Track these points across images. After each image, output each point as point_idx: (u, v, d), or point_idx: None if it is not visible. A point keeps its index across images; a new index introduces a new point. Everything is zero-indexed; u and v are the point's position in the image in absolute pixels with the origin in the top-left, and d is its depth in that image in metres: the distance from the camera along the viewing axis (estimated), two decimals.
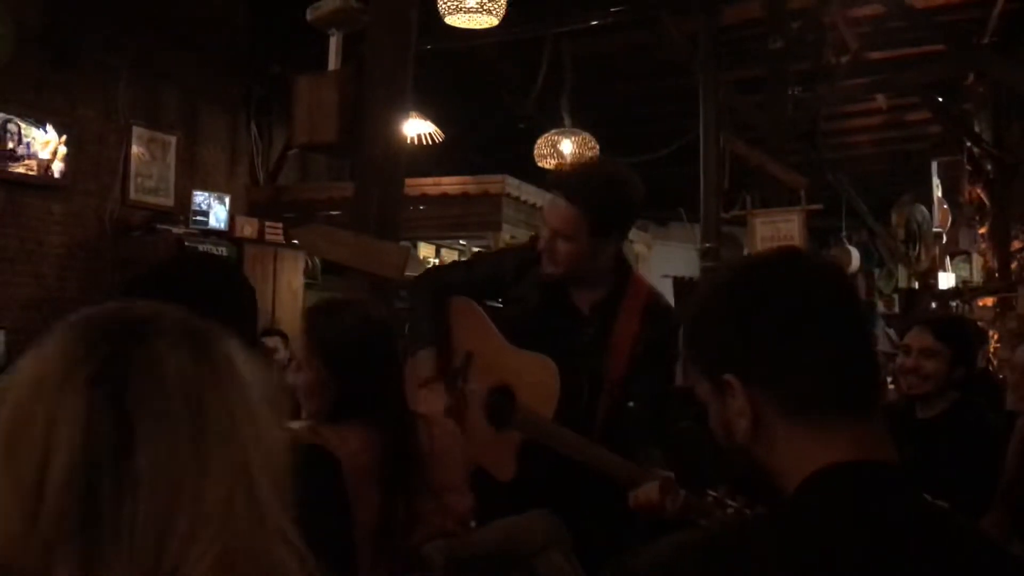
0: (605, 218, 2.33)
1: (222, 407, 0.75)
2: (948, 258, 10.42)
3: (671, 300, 4.28)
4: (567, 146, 7.70)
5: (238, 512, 0.72)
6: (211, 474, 0.71)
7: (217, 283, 1.57)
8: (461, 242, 9.55)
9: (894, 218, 10.97)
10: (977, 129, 8.86)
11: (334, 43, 4.22)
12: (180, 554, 0.68)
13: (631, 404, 2.36)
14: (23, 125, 6.29)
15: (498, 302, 2.62)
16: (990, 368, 6.67)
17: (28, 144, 6.33)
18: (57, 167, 6.53)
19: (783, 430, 0.97)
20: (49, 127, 6.46)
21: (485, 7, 4.80)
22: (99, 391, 0.71)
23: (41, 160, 6.42)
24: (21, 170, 6.31)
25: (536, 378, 2.32)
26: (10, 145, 6.22)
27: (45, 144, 6.44)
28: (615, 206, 2.37)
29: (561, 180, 2.43)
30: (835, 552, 0.84)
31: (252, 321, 1.61)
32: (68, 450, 0.69)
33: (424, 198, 7.70)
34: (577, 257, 2.35)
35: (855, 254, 11.12)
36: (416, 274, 2.99)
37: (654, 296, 2.50)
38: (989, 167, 8.59)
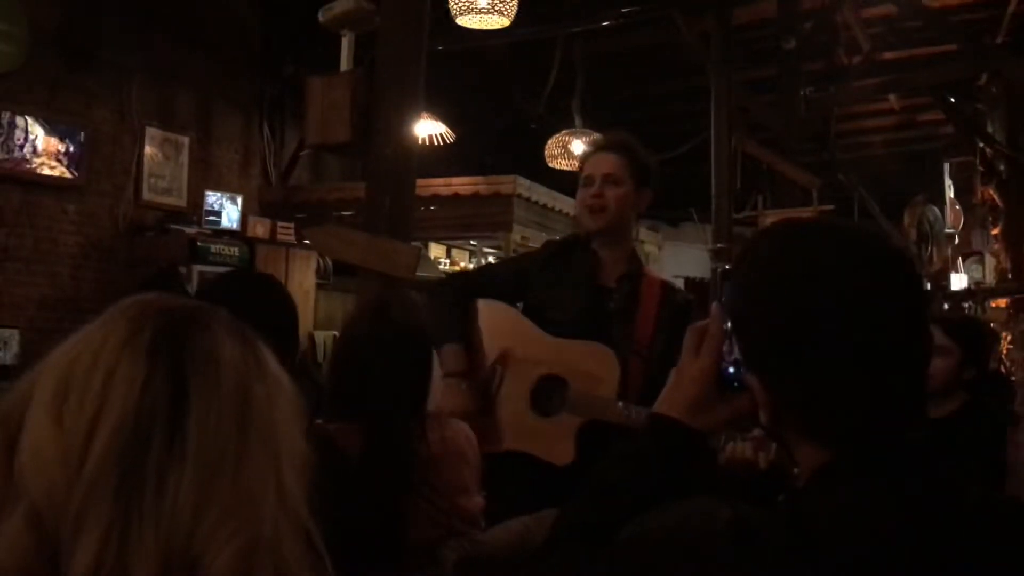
0: (645, 167, 2.55)
1: (265, 400, 0.76)
2: (960, 259, 10.38)
3: None
4: (578, 146, 7.69)
5: (266, 505, 0.72)
6: (249, 462, 0.72)
7: (260, 304, 1.61)
8: (472, 242, 9.56)
9: (906, 219, 10.92)
10: (990, 129, 8.82)
11: (346, 44, 4.23)
12: (207, 538, 0.68)
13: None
14: (38, 126, 6.34)
15: (517, 305, 2.66)
16: (1002, 370, 6.64)
17: (43, 145, 6.38)
18: (71, 168, 6.57)
19: (795, 439, 0.96)
20: (64, 128, 6.50)
21: (496, 8, 4.80)
22: (159, 358, 0.72)
23: (55, 161, 6.47)
24: (36, 170, 6.35)
25: (592, 365, 2.38)
26: (25, 146, 6.27)
27: (60, 145, 6.48)
28: (649, 160, 2.59)
29: (601, 142, 2.70)
30: (852, 548, 0.83)
31: (293, 341, 1.65)
32: (122, 407, 0.69)
33: (435, 198, 7.72)
34: (624, 203, 2.51)
35: None
36: (426, 274, 3.04)
37: (667, 282, 2.64)
38: (1002, 167, 8.55)
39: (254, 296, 1.81)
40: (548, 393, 2.42)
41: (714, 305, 1.07)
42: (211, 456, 0.70)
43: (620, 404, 2.29)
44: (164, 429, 0.70)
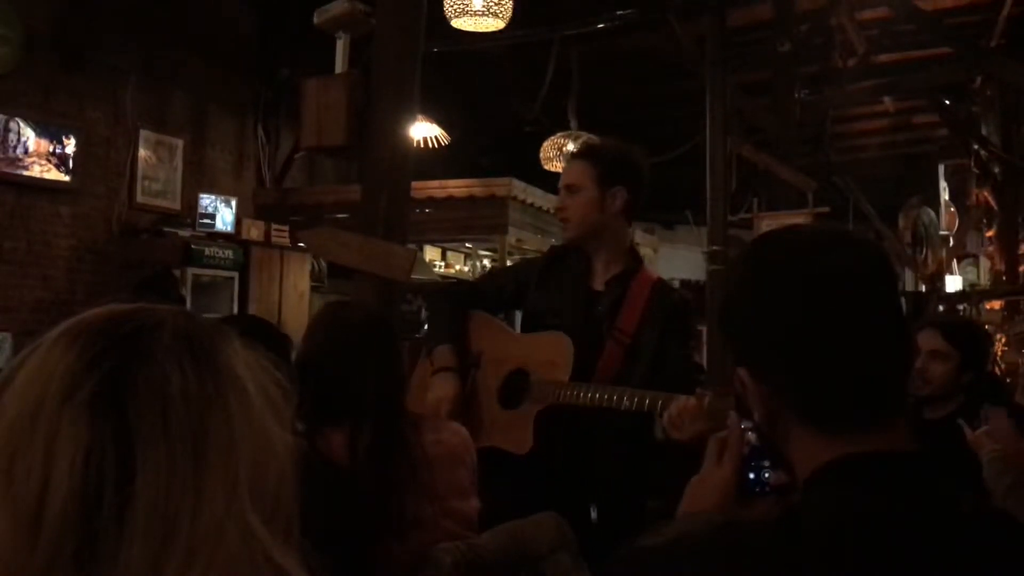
0: (610, 167, 2.51)
1: (223, 426, 0.72)
2: (955, 261, 10.40)
3: None
4: (573, 149, 7.69)
5: (228, 540, 0.69)
6: (207, 501, 0.69)
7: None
8: (467, 245, 9.55)
9: (901, 221, 10.93)
10: (984, 132, 8.84)
11: (341, 46, 4.22)
12: None
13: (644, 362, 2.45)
14: (32, 128, 6.32)
15: (512, 313, 2.72)
16: (996, 371, 6.64)
17: (36, 147, 6.36)
18: (65, 170, 6.55)
19: (795, 429, 0.97)
20: (58, 130, 6.49)
21: (491, 10, 4.80)
22: (100, 416, 0.68)
23: (49, 163, 6.45)
24: (29, 173, 6.33)
25: (548, 353, 2.43)
26: (19, 148, 6.25)
27: (53, 147, 6.47)
28: (619, 157, 2.55)
29: (572, 152, 2.63)
30: (842, 552, 0.84)
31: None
32: (68, 480, 0.66)
33: (430, 201, 7.71)
34: (586, 208, 2.50)
35: None
36: (422, 277, 3.11)
37: (661, 280, 2.63)
38: (996, 170, 8.57)
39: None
40: (515, 387, 2.49)
41: (731, 415, 1.12)
42: (165, 510, 0.68)
43: (571, 385, 2.35)
44: (114, 492, 0.67)
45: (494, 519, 2.09)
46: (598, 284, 2.56)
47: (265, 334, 2.02)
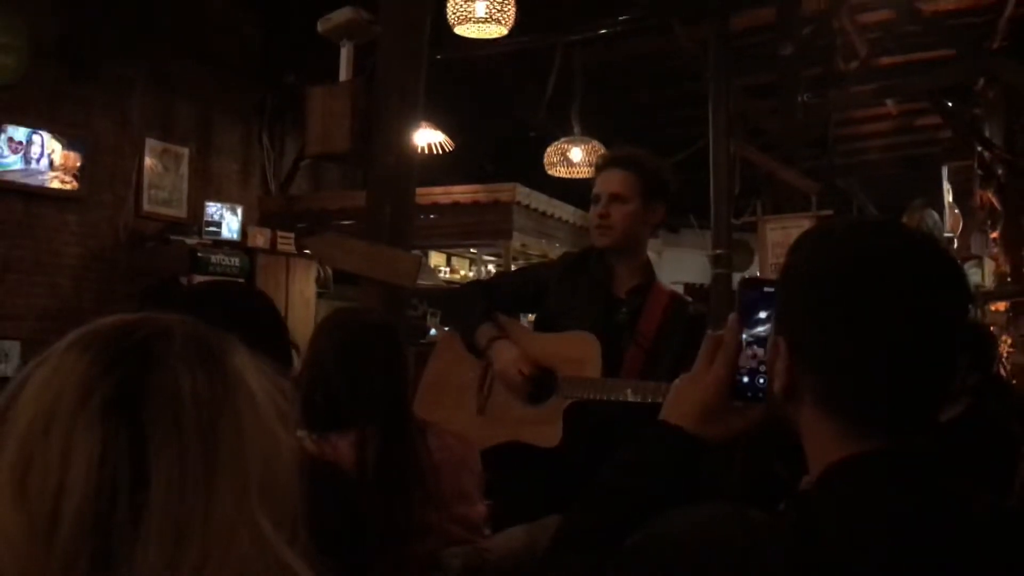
0: (655, 180, 2.57)
1: (233, 430, 0.74)
2: (960, 263, 10.36)
3: None
4: (577, 154, 7.71)
5: (239, 542, 0.70)
6: (218, 503, 0.70)
7: (238, 310, 1.61)
8: (472, 250, 9.57)
9: (905, 223, 10.90)
10: (988, 133, 8.82)
11: (346, 54, 4.24)
12: None
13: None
14: (38, 137, 6.35)
15: (528, 316, 2.73)
16: (1002, 373, 6.63)
17: (43, 156, 6.39)
18: (72, 179, 6.58)
19: (811, 412, 0.95)
20: (64, 139, 6.52)
21: (494, 16, 4.82)
22: (114, 422, 0.69)
23: (56, 172, 6.48)
24: (37, 182, 6.36)
25: (576, 351, 2.46)
26: (26, 157, 6.28)
27: (60, 156, 6.49)
28: (660, 173, 2.60)
29: (609, 157, 2.69)
30: (860, 553, 0.83)
31: (278, 340, 1.65)
32: (83, 484, 0.67)
33: (435, 207, 7.73)
34: (632, 219, 2.55)
35: None
36: (427, 282, 3.14)
37: (676, 293, 2.69)
38: (1000, 171, 8.55)
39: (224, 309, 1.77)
40: (539, 385, 2.51)
41: (731, 316, 1.06)
42: (179, 514, 0.69)
43: (602, 380, 2.38)
44: (127, 497, 0.67)
45: (515, 517, 2.10)
46: (620, 292, 2.60)
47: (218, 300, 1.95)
